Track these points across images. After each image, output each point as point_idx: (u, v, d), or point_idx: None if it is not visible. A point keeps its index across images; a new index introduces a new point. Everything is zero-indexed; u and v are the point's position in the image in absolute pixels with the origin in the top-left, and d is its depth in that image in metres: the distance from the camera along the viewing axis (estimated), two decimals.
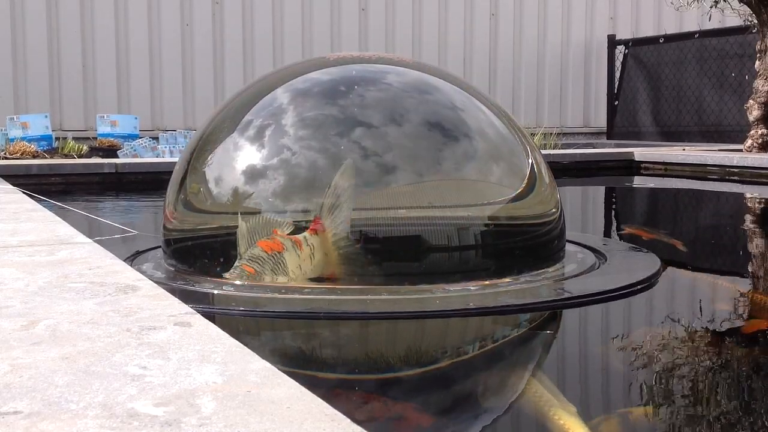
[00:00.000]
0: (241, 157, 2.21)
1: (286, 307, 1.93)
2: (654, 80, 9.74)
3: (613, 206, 5.35)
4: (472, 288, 2.04)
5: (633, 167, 6.72)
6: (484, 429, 1.33)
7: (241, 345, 1.07)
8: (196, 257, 2.28)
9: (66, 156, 6.39)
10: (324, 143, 2.18)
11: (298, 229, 2.03)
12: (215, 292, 2.04)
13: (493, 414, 1.40)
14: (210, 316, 1.52)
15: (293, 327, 1.87)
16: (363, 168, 2.15)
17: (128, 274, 1.58)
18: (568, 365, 1.69)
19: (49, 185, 5.25)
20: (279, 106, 2.30)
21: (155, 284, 1.48)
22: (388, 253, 2.12)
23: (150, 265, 2.36)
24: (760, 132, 6.53)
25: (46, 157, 6.24)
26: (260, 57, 8.66)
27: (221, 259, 2.18)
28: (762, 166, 5.73)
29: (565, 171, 6.23)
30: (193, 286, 2.09)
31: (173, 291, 1.92)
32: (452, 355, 1.74)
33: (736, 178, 5.81)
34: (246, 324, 1.89)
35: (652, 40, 9.80)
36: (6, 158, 6.02)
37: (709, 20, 7.66)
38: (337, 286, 2.01)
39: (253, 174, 2.16)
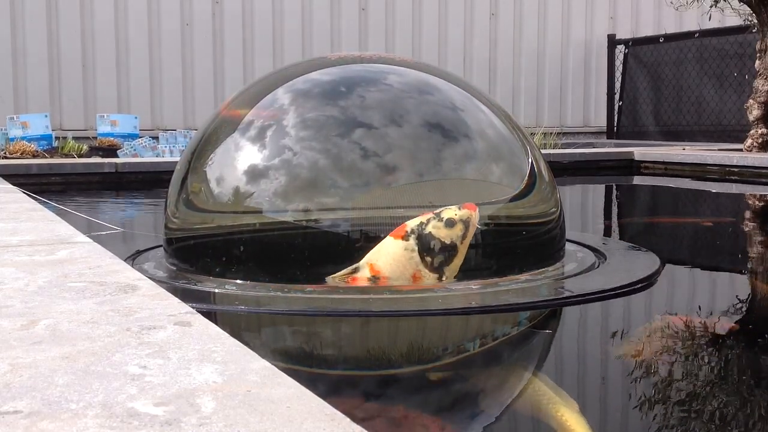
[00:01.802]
0: (245, 157, 2.22)
1: (289, 306, 1.93)
2: (654, 80, 9.74)
3: (613, 206, 5.35)
4: (473, 287, 2.05)
5: (633, 167, 6.72)
6: (485, 425, 1.33)
7: (241, 344, 1.07)
8: (198, 256, 2.29)
9: (66, 155, 6.38)
10: (325, 144, 2.18)
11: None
12: (217, 291, 2.05)
13: (493, 411, 1.40)
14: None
15: (296, 325, 1.87)
16: (364, 168, 2.16)
17: (128, 273, 1.58)
18: (569, 363, 1.69)
19: (49, 185, 5.25)
20: (281, 107, 2.30)
21: (155, 284, 1.48)
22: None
23: (151, 264, 2.36)
24: (760, 131, 6.53)
25: (46, 157, 6.23)
26: (260, 56, 8.65)
27: (223, 258, 2.18)
28: (762, 165, 5.73)
29: (565, 170, 6.23)
30: (196, 285, 2.10)
31: (175, 290, 1.92)
32: (453, 353, 1.74)
33: (736, 177, 5.81)
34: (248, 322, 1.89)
35: (651, 40, 9.80)
36: (6, 158, 6.02)
37: (709, 20, 7.65)
38: (339, 285, 2.02)
39: (256, 174, 2.17)
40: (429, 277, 2.00)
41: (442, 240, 1.98)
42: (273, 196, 2.14)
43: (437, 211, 2.01)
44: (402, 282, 1.99)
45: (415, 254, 1.98)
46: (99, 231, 2.93)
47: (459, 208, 2.00)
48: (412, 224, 2.00)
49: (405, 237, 1.99)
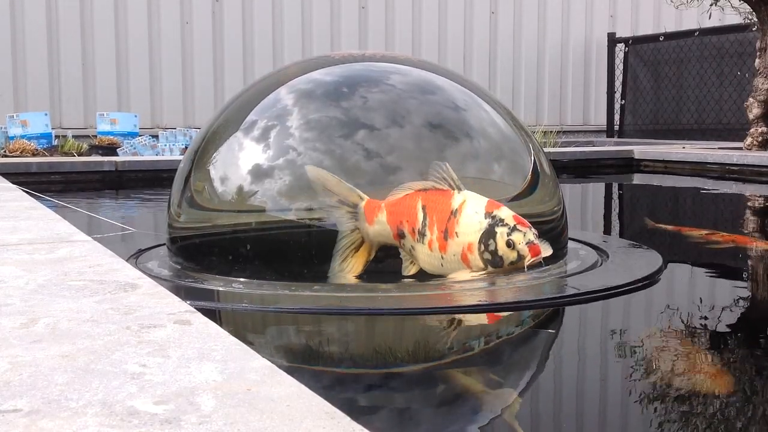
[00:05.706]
0: (250, 156, 2.22)
1: (295, 303, 1.93)
2: (654, 78, 9.74)
3: (614, 204, 5.35)
4: (479, 285, 2.05)
5: (633, 165, 6.72)
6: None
7: (241, 343, 1.07)
8: (203, 255, 2.29)
9: (66, 154, 6.38)
10: (330, 143, 2.19)
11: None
12: (221, 289, 2.05)
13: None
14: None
15: (300, 323, 1.87)
16: (369, 167, 2.16)
17: (128, 272, 1.57)
18: (567, 359, 1.69)
19: (49, 183, 5.25)
20: (285, 106, 2.30)
21: (155, 282, 1.47)
22: (397, 251, 2.12)
23: (155, 263, 2.37)
24: (759, 130, 6.53)
25: (45, 155, 6.23)
26: (260, 55, 8.65)
27: (229, 257, 2.19)
28: (762, 164, 5.73)
29: (565, 169, 6.23)
30: (203, 283, 2.10)
31: (178, 289, 1.92)
32: (457, 351, 1.74)
33: (735, 176, 5.81)
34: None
35: (652, 38, 9.79)
36: (6, 156, 6.02)
37: (709, 18, 7.65)
38: (345, 284, 2.02)
39: (262, 172, 2.17)
40: (475, 261, 2.04)
41: (497, 246, 2.03)
42: (278, 195, 2.15)
43: (527, 223, 2.04)
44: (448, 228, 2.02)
45: (477, 233, 2.03)
46: (111, 232, 2.93)
47: (531, 241, 2.02)
48: (502, 212, 2.04)
49: (487, 215, 2.04)
